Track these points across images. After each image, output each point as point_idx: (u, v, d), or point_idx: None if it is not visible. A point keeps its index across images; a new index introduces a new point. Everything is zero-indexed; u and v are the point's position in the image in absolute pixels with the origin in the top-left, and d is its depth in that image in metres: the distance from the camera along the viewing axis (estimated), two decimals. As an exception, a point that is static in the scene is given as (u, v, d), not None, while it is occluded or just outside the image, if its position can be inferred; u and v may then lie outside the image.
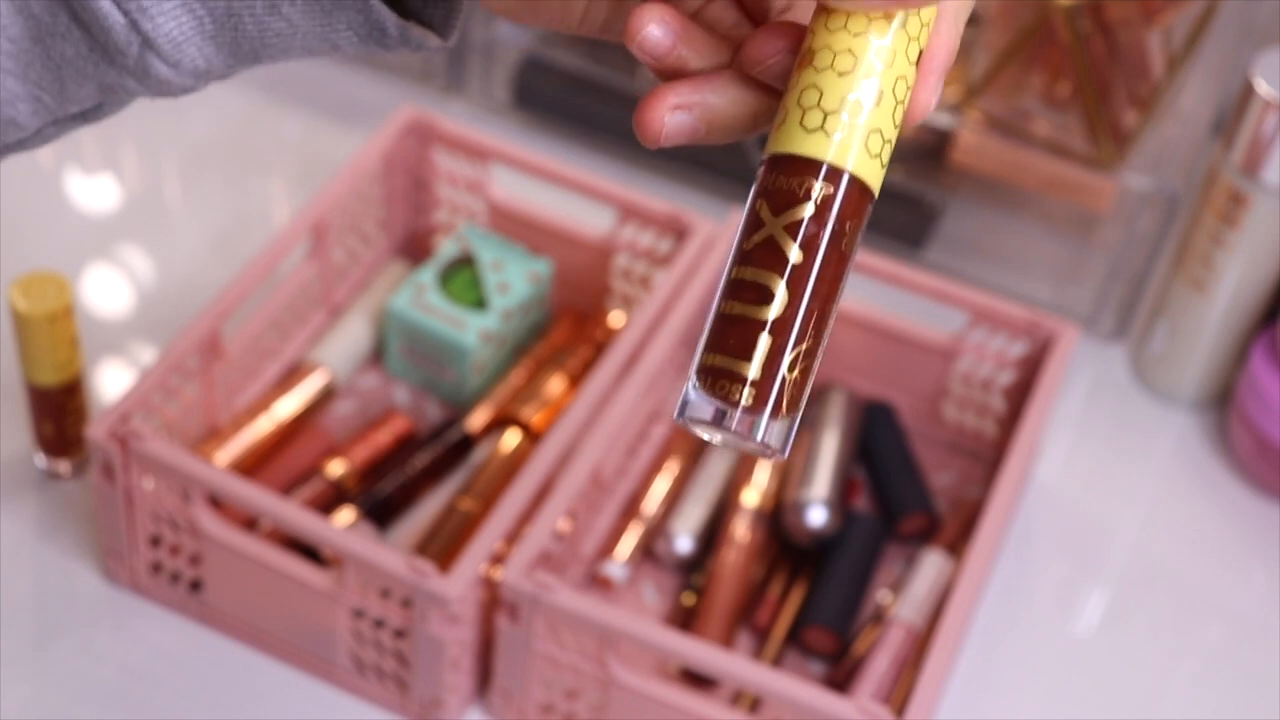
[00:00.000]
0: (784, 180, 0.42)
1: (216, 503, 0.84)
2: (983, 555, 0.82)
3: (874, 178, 0.43)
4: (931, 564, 0.89)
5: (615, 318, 0.99)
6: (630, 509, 0.92)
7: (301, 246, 0.96)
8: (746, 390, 0.41)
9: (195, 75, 0.48)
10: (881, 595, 0.90)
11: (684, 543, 0.90)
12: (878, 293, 0.98)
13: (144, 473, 0.83)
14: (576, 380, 0.96)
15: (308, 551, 0.84)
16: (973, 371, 0.96)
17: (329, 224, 0.96)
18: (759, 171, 0.43)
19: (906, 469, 0.95)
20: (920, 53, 0.43)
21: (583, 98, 1.13)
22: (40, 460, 0.92)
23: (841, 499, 0.91)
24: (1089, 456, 1.01)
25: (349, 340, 0.97)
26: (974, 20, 1.09)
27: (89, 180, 1.11)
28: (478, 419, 0.94)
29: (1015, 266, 1.08)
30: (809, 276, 0.42)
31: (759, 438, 0.42)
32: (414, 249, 1.04)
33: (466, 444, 0.93)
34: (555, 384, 0.95)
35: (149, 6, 0.47)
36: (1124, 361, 1.06)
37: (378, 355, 0.99)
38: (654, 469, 0.94)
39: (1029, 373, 0.94)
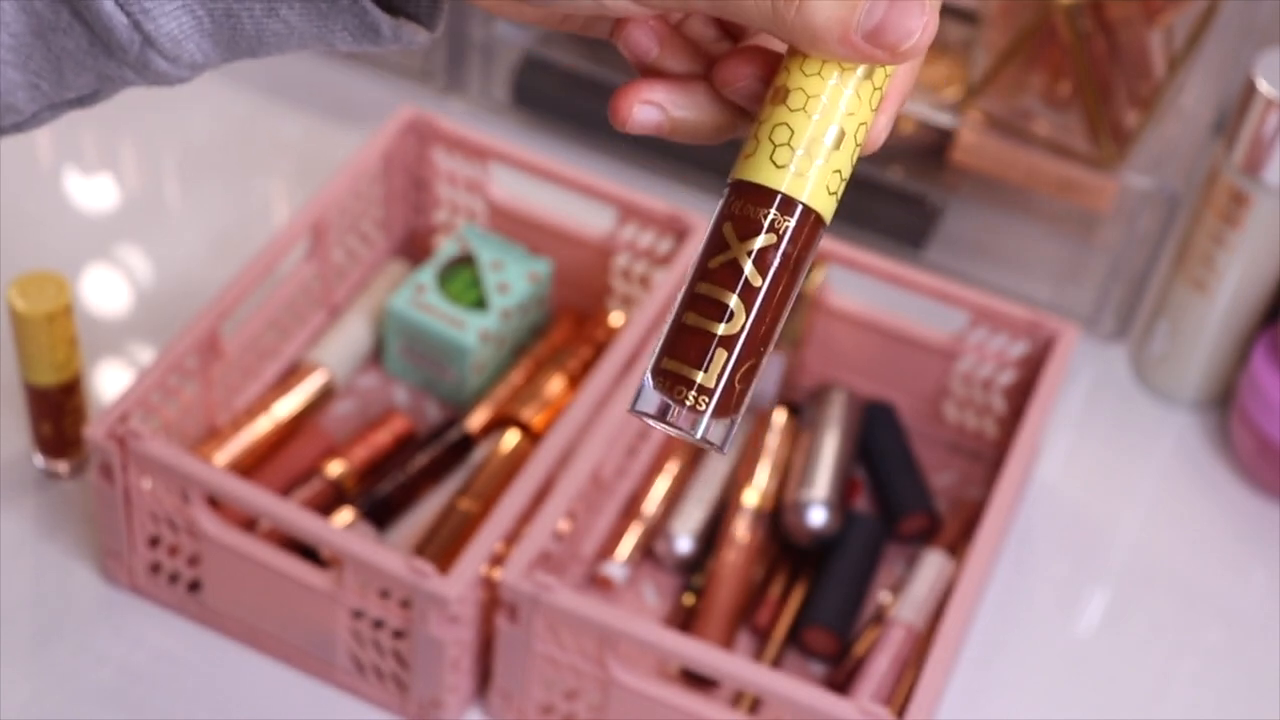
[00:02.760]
0: (750, 208, 0.46)
1: (215, 503, 0.84)
2: (983, 555, 0.82)
3: (829, 212, 0.47)
4: (932, 564, 0.89)
5: (615, 318, 0.99)
6: (630, 509, 0.92)
7: (301, 246, 0.96)
8: (694, 394, 0.46)
9: (192, 68, 0.50)
10: (882, 596, 0.90)
11: (684, 543, 0.90)
12: (878, 293, 0.98)
13: (143, 473, 0.83)
14: (576, 380, 0.96)
15: (307, 552, 0.84)
16: (973, 371, 0.96)
17: (328, 224, 0.96)
18: (725, 193, 0.47)
19: (907, 469, 0.95)
20: (881, 99, 0.47)
21: (582, 97, 1.13)
22: (39, 460, 0.91)
23: (842, 499, 0.91)
24: (1090, 457, 1.01)
25: (348, 340, 0.97)
26: (974, 19, 1.09)
27: (88, 180, 1.11)
28: (477, 419, 0.94)
29: (1016, 266, 1.08)
30: (762, 298, 0.46)
31: (700, 435, 0.46)
32: (414, 249, 1.04)
33: (466, 444, 0.93)
34: (555, 384, 0.95)
35: (151, 8, 0.47)
36: (1125, 361, 1.06)
37: (377, 355, 0.99)
38: (654, 469, 0.94)
39: (1030, 373, 0.94)
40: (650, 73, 0.50)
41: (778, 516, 0.91)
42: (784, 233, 0.46)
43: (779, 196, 0.46)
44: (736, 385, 0.46)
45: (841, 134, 0.46)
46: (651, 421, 0.47)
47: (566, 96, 1.14)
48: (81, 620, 0.86)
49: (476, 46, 1.14)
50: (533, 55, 1.14)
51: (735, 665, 0.77)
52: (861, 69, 0.46)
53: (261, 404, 0.92)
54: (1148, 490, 1.00)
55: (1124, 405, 1.04)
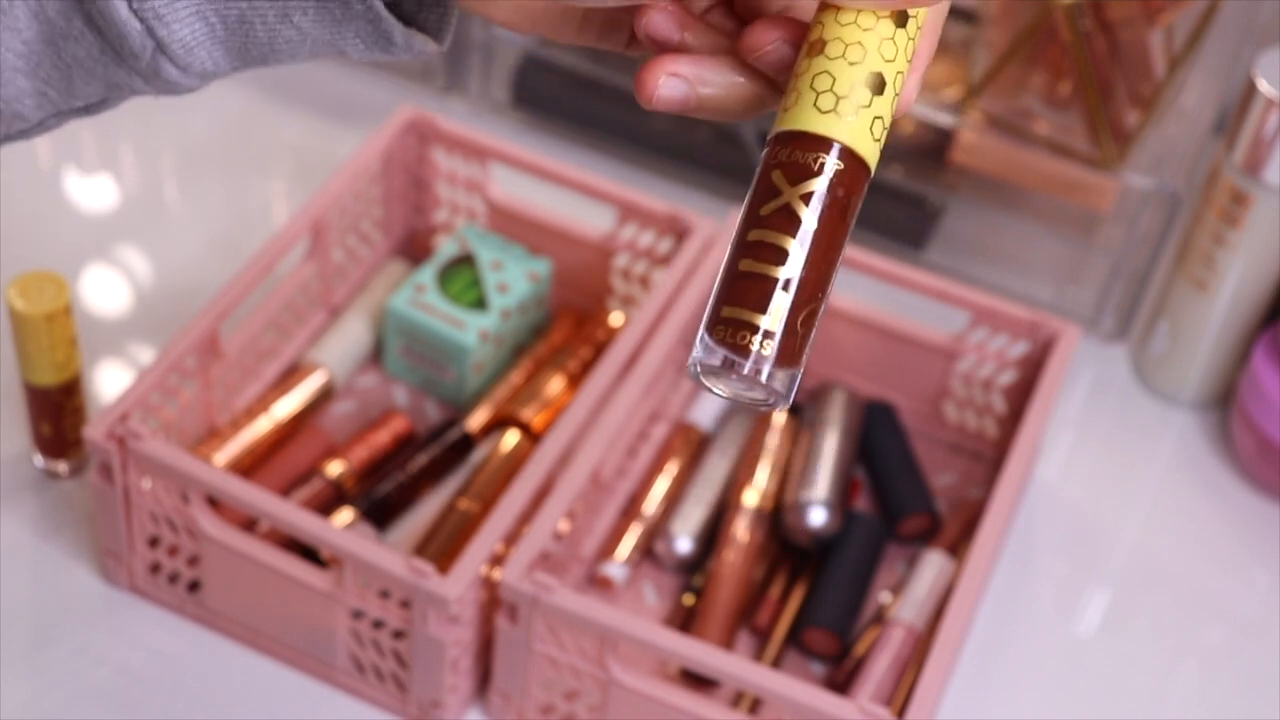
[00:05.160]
0: (799, 154, 0.47)
1: (215, 503, 0.84)
2: (983, 556, 0.82)
3: (874, 158, 0.48)
4: (932, 565, 0.89)
5: (615, 318, 0.99)
6: (630, 509, 0.92)
7: (300, 246, 0.96)
8: (760, 339, 0.45)
9: (202, 77, 0.50)
10: (882, 596, 0.90)
11: (684, 543, 0.90)
12: (878, 293, 0.98)
13: (142, 473, 0.82)
14: (576, 380, 0.95)
15: (307, 552, 0.84)
16: (974, 372, 0.96)
17: (328, 224, 0.96)
18: (768, 147, 0.48)
19: (907, 469, 0.95)
20: (914, 52, 0.48)
21: (582, 98, 1.13)
22: (39, 460, 0.91)
23: (842, 499, 0.91)
24: (1090, 457, 1.01)
25: (348, 340, 0.97)
26: (974, 19, 1.09)
27: (88, 180, 1.11)
28: (477, 419, 0.94)
29: (1016, 266, 1.08)
30: (817, 240, 0.47)
31: (767, 382, 0.46)
32: (413, 249, 1.04)
33: (466, 444, 0.93)
34: (555, 384, 0.95)
35: (165, 14, 0.47)
36: (1125, 361, 1.06)
37: (377, 355, 0.99)
38: (654, 469, 0.93)
39: (1030, 373, 0.94)
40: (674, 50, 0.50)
41: (778, 516, 0.91)
42: (834, 175, 0.47)
43: (827, 141, 0.47)
44: (799, 329, 0.46)
45: (881, 80, 0.47)
46: (712, 382, 0.47)
47: (566, 96, 1.14)
48: (81, 620, 0.86)
49: (476, 46, 1.14)
50: (533, 55, 1.14)
51: (735, 665, 0.77)
52: (894, 19, 0.47)
53: (261, 404, 0.92)
54: (1148, 490, 1.00)
55: (1124, 405, 1.04)
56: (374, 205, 1.00)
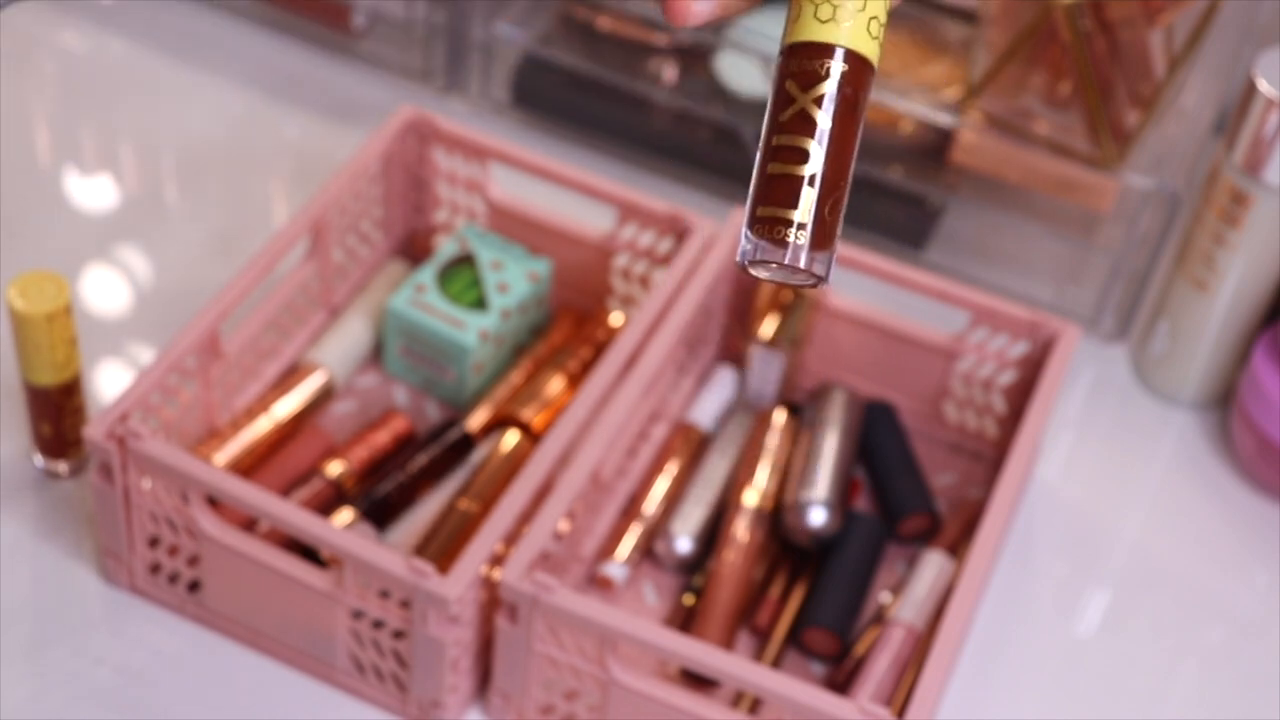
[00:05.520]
0: (807, 63, 0.52)
1: (215, 503, 0.84)
2: (984, 556, 0.82)
3: (875, 55, 0.53)
4: (932, 565, 0.89)
5: (615, 318, 0.99)
6: (630, 509, 0.92)
7: (300, 246, 0.96)
8: (794, 230, 0.52)
9: None
10: (882, 596, 0.90)
11: (684, 543, 0.90)
12: (878, 293, 0.98)
13: (142, 473, 0.82)
14: (576, 380, 0.95)
15: (307, 552, 0.84)
16: (974, 372, 0.96)
17: (328, 224, 0.96)
18: (780, 59, 0.53)
19: (907, 469, 0.95)
20: None
21: (582, 98, 1.13)
22: (38, 461, 0.91)
23: (842, 499, 0.91)
24: (1090, 457, 1.01)
25: (348, 340, 0.97)
26: (974, 19, 1.09)
27: (87, 180, 1.11)
28: (477, 419, 0.94)
29: (1016, 266, 1.08)
30: (835, 137, 0.52)
31: (805, 266, 0.52)
32: (413, 249, 1.04)
33: (466, 444, 0.93)
34: (555, 384, 0.95)
35: None
36: (1125, 361, 1.06)
37: (377, 355, 0.99)
38: (654, 469, 0.93)
39: (1030, 373, 0.94)
40: None
41: (778, 516, 0.91)
42: (841, 77, 0.52)
43: (829, 47, 0.52)
44: (827, 216, 0.52)
45: None
46: (758, 270, 0.53)
47: (566, 96, 1.14)
48: (81, 621, 0.86)
49: (476, 46, 1.14)
50: (533, 55, 1.14)
51: (735, 666, 0.77)
52: None
53: (261, 404, 0.92)
54: (1148, 490, 1.00)
55: (1124, 405, 1.04)
56: (374, 205, 1.00)
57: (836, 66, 0.52)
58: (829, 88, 0.52)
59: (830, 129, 0.52)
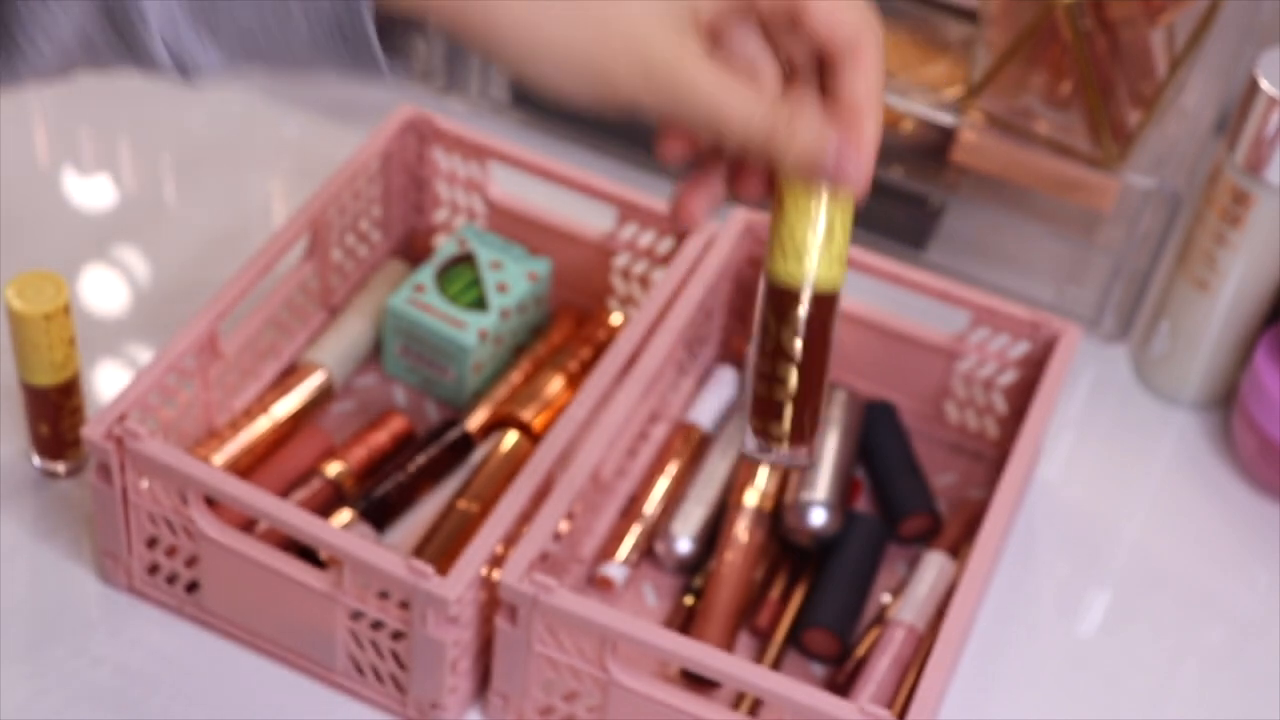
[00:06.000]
0: (780, 298, 0.64)
1: (214, 504, 0.83)
2: (985, 556, 0.82)
3: (841, 279, 0.64)
4: (933, 565, 0.89)
5: (615, 318, 0.99)
6: (630, 510, 0.92)
7: (299, 246, 0.95)
8: (783, 441, 0.66)
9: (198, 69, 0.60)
10: (883, 597, 0.90)
11: (684, 544, 0.90)
12: (879, 293, 0.97)
13: (141, 473, 0.82)
14: (576, 380, 0.95)
15: (306, 553, 0.84)
16: (974, 372, 0.96)
17: (327, 223, 0.95)
18: (762, 292, 0.65)
19: (908, 470, 0.94)
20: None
21: (582, 97, 1.13)
22: (37, 461, 0.91)
23: (843, 500, 0.90)
24: (1091, 457, 1.01)
25: (347, 340, 0.97)
26: (974, 18, 1.09)
27: (86, 179, 1.10)
28: (477, 419, 0.93)
29: (1017, 266, 1.08)
30: (807, 362, 0.65)
31: (790, 463, 0.67)
32: (413, 248, 1.04)
33: (465, 444, 0.92)
34: (554, 384, 0.95)
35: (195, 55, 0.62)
36: (1126, 362, 1.06)
37: (376, 355, 0.99)
38: (654, 469, 0.93)
39: (1031, 373, 0.94)
40: (695, 169, 0.65)
41: (778, 517, 0.91)
42: (810, 310, 0.64)
43: (799, 287, 0.64)
44: (806, 425, 0.66)
45: (834, 224, 0.64)
46: (759, 459, 0.67)
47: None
48: (79, 621, 0.86)
49: (476, 46, 1.14)
50: (532, 54, 1.14)
51: (735, 666, 0.77)
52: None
53: (260, 404, 0.92)
54: (1149, 491, 1.00)
55: (1125, 405, 1.04)
56: (373, 205, 1.00)
57: (805, 302, 0.64)
58: (799, 325, 0.64)
59: (804, 355, 0.65)
